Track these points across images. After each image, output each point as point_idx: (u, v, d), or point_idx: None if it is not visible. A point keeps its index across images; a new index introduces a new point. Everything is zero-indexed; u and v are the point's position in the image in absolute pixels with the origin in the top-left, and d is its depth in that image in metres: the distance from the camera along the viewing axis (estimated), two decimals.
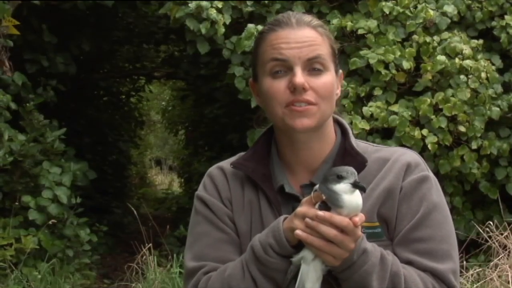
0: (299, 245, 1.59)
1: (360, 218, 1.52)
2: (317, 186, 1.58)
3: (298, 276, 1.60)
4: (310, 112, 1.66)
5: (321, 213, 1.52)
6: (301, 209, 1.57)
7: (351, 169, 1.54)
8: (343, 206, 1.52)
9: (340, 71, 1.78)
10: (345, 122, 1.82)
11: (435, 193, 1.72)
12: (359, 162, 1.71)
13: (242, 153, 1.83)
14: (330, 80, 1.69)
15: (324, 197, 1.54)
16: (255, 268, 1.63)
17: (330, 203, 1.54)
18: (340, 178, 1.53)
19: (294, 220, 1.57)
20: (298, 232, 1.54)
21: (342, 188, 1.53)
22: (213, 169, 1.84)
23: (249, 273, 1.64)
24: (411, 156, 1.76)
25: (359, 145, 1.78)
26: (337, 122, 1.81)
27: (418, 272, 1.66)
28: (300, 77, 1.64)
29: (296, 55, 1.66)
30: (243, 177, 1.78)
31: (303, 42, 1.67)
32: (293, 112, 1.66)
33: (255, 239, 1.65)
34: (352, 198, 1.53)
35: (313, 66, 1.67)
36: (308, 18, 1.72)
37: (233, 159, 1.82)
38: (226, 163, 1.83)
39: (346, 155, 1.74)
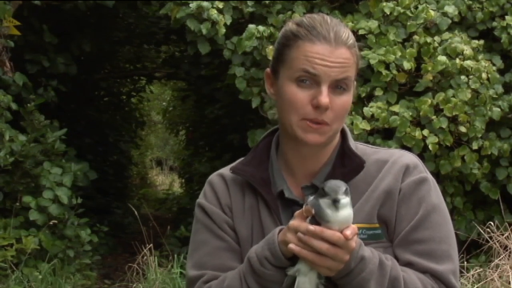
0: (295, 257, 1.59)
1: (351, 231, 1.52)
2: (309, 200, 1.58)
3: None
4: (323, 131, 1.68)
5: (311, 227, 1.52)
6: (294, 222, 1.57)
7: (335, 184, 1.53)
8: (329, 221, 1.52)
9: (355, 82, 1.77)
10: (343, 124, 1.81)
11: (434, 194, 1.72)
12: (357, 164, 1.72)
13: (242, 158, 1.83)
14: (348, 100, 1.71)
15: (313, 212, 1.54)
16: (252, 280, 1.65)
17: (317, 217, 1.53)
18: (324, 193, 1.52)
19: (287, 234, 1.58)
20: (291, 246, 1.55)
21: (325, 203, 1.52)
22: (213, 177, 1.84)
23: (247, 284, 1.66)
24: (409, 157, 1.76)
25: (358, 147, 1.79)
26: None
27: (418, 275, 1.66)
28: (325, 97, 1.65)
29: (327, 73, 1.66)
30: (243, 182, 1.79)
31: (337, 63, 1.67)
32: (307, 127, 1.67)
33: (251, 250, 1.67)
34: (337, 212, 1.51)
35: (338, 85, 1.68)
36: (345, 34, 1.69)
37: (233, 164, 1.82)
38: (226, 170, 1.83)
39: (344, 157, 1.75)
